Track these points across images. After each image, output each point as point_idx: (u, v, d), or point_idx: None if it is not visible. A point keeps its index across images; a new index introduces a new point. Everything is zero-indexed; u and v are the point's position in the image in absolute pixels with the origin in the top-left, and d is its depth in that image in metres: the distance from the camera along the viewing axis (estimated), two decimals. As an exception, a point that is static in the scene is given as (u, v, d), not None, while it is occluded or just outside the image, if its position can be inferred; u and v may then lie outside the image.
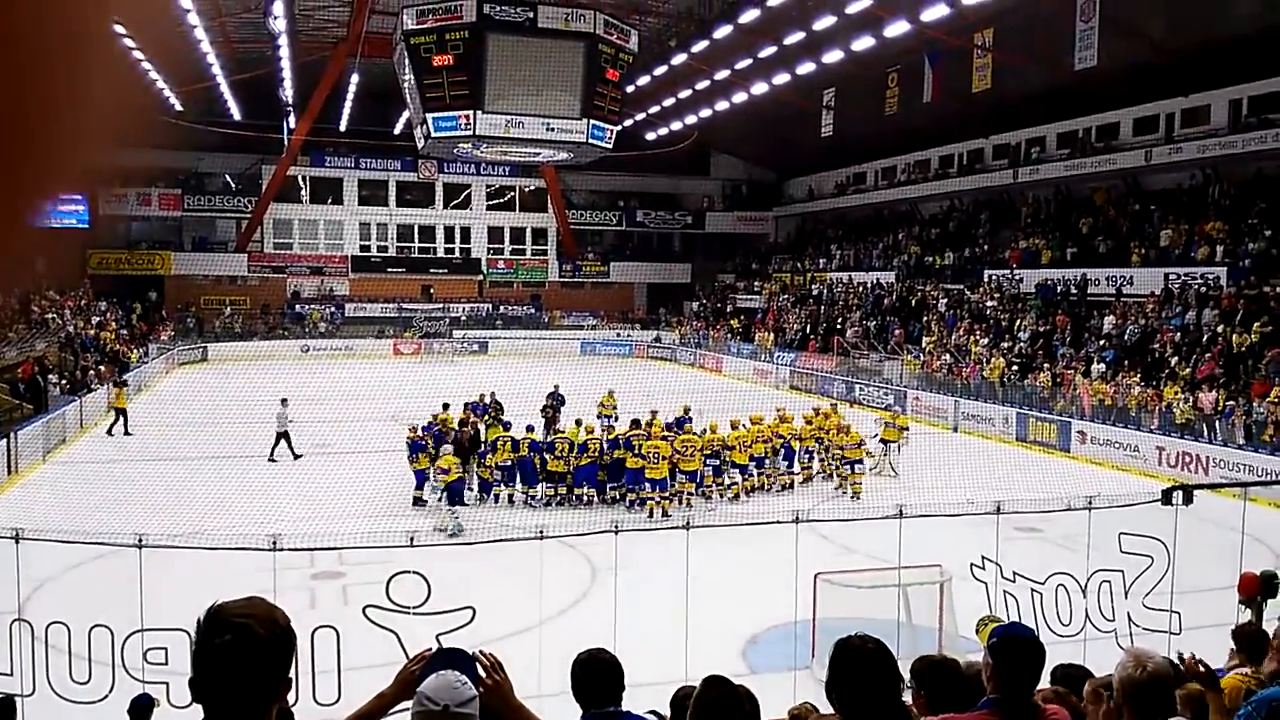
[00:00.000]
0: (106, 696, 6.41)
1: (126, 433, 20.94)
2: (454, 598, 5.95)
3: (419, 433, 15.17)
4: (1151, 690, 2.92)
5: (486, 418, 17.37)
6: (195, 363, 38.28)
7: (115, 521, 11.57)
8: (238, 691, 1.76)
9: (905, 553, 8.28)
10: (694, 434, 15.53)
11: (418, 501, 14.48)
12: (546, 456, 15.03)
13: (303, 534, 10.30)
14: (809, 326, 36.73)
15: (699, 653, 7.75)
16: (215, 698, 1.77)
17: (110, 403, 21.62)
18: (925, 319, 31.70)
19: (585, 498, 15.07)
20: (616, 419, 17.13)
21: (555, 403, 20.97)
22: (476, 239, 47.49)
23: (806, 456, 17.27)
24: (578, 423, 15.85)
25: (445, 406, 17.37)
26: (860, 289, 37.08)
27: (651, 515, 14.33)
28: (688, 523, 8.41)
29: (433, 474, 14.49)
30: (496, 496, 15.37)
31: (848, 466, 16.24)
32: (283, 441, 17.71)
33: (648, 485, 14.68)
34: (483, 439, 15.97)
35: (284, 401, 18.42)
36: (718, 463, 15.63)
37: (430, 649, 2.52)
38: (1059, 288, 28.56)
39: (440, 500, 13.98)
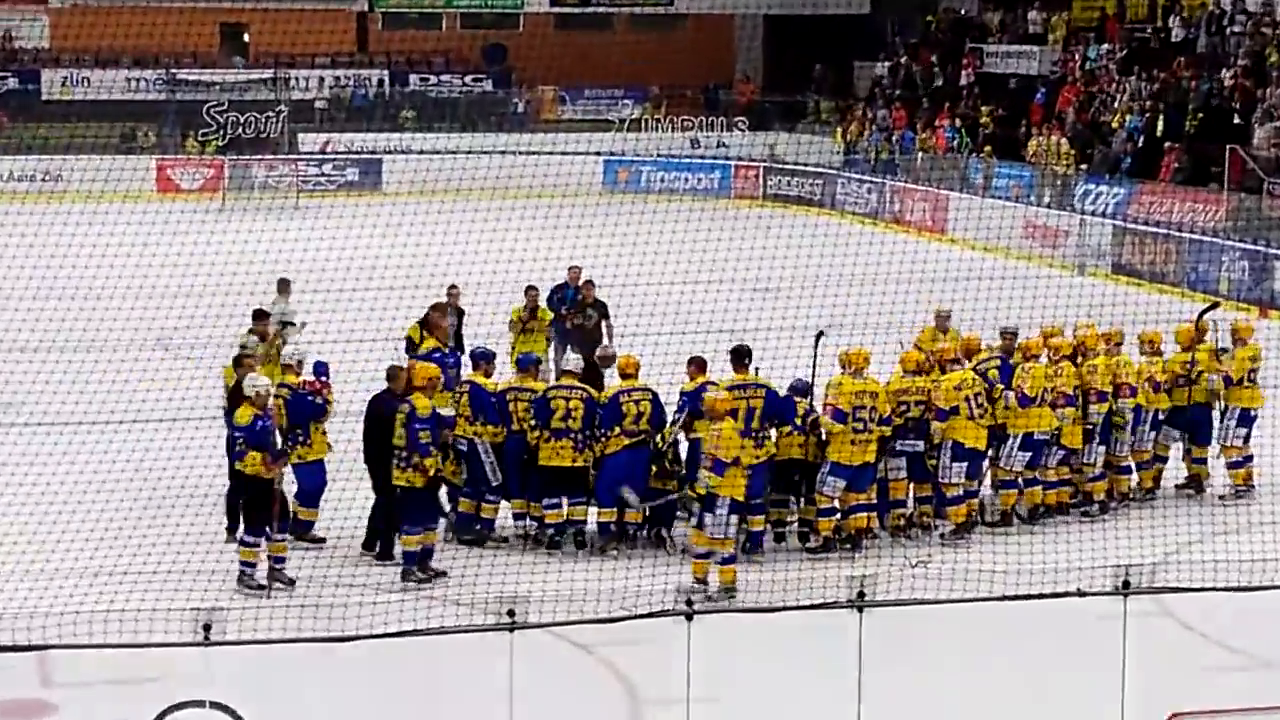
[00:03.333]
0: None
1: None
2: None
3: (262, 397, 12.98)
4: None
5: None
6: None
7: None
8: None
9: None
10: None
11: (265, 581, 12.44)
12: (530, 432, 13.24)
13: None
14: (1155, 123, 30.82)
15: None
16: None
17: None
18: None
19: (627, 532, 13.30)
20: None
21: (577, 312, 18.18)
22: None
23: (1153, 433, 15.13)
24: (618, 378, 13.66)
25: (272, 320, 15.60)
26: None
27: (823, 546, 12.88)
28: (860, 593, 8.10)
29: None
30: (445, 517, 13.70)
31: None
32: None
33: (832, 482, 13.07)
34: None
35: (284, 285, 17.28)
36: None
37: None
38: None
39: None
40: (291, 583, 11.79)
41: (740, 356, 13.12)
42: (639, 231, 18.79)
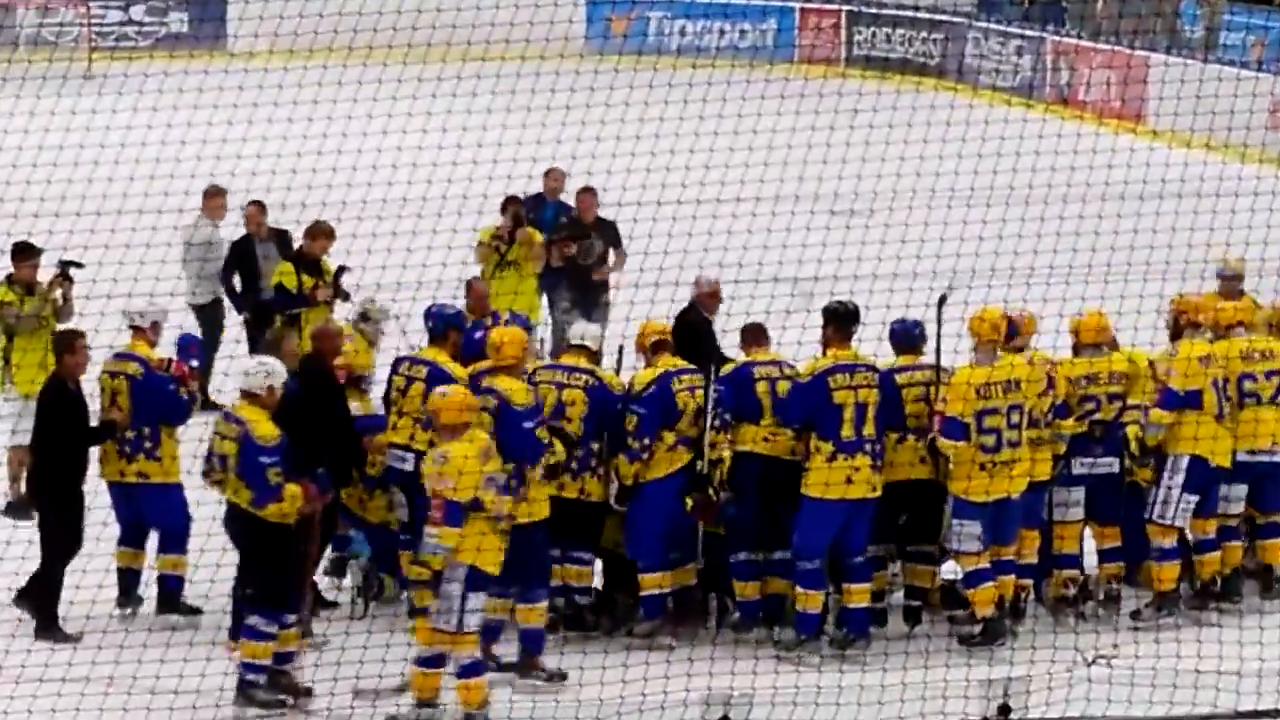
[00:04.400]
0: None
1: None
2: None
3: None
4: None
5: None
6: None
7: None
8: None
9: None
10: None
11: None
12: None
13: None
14: None
15: None
16: None
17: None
18: None
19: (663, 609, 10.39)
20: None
21: (568, 238, 15.18)
22: None
23: None
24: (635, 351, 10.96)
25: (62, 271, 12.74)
26: None
27: (985, 634, 10.21)
28: (1003, 706, 8.32)
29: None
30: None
31: None
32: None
33: (959, 527, 10.33)
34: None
35: (214, 196, 14.89)
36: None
37: None
38: None
39: None
40: (308, 693, 8.99)
41: (843, 321, 9.76)
42: (645, 118, 14.29)
